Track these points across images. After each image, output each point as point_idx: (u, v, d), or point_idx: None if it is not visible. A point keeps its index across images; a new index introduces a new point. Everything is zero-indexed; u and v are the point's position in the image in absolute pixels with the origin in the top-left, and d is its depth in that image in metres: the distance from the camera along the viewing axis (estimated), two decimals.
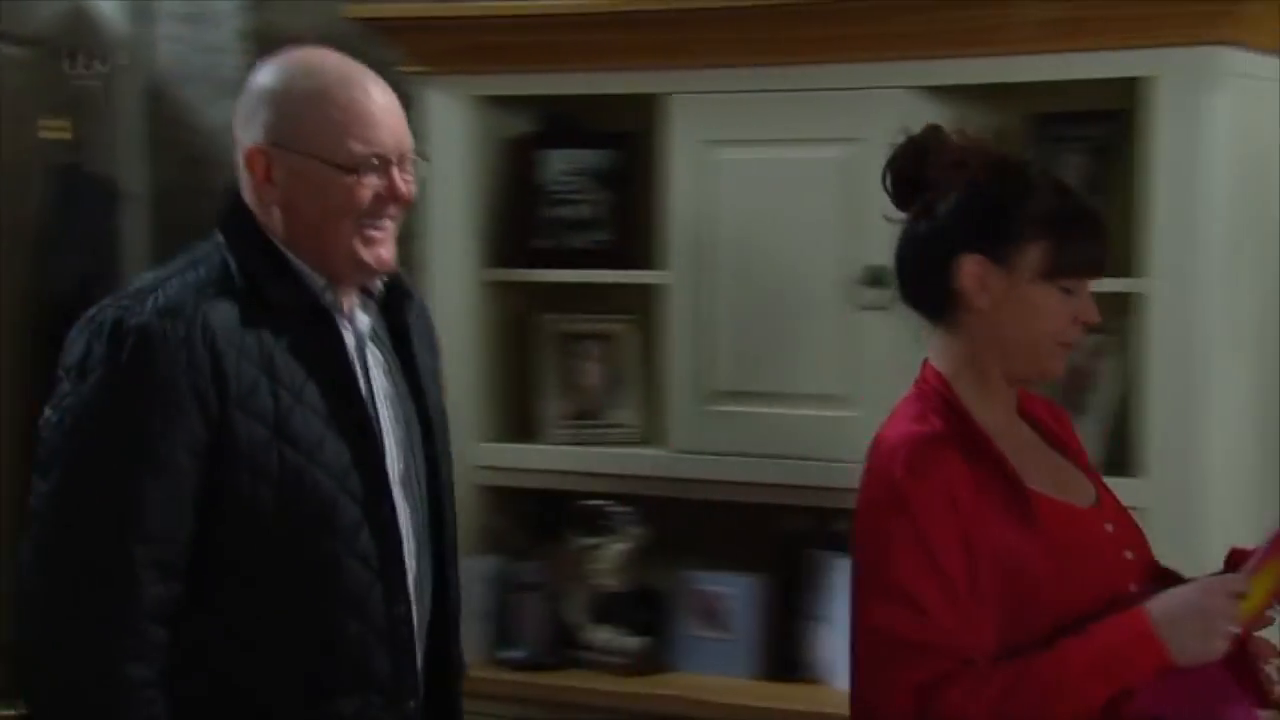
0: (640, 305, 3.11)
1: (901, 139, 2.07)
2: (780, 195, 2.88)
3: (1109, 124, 2.75)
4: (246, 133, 1.99)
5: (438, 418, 2.14)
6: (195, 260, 1.99)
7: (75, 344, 1.92)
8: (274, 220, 1.99)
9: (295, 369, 1.94)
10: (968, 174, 2.00)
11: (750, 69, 2.87)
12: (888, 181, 2.06)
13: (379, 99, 1.98)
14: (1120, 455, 2.73)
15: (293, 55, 2.02)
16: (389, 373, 2.07)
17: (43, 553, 1.89)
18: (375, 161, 1.96)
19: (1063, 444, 2.15)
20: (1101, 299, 2.78)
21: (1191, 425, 2.63)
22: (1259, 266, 2.82)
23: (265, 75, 2.00)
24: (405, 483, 2.04)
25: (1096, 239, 2.03)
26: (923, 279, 2.03)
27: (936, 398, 2.01)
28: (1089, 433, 2.74)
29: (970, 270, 1.97)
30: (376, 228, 1.98)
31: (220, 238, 2.01)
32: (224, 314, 1.91)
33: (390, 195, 1.98)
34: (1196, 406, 2.63)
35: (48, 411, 1.93)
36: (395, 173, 1.98)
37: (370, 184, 1.96)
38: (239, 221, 2.01)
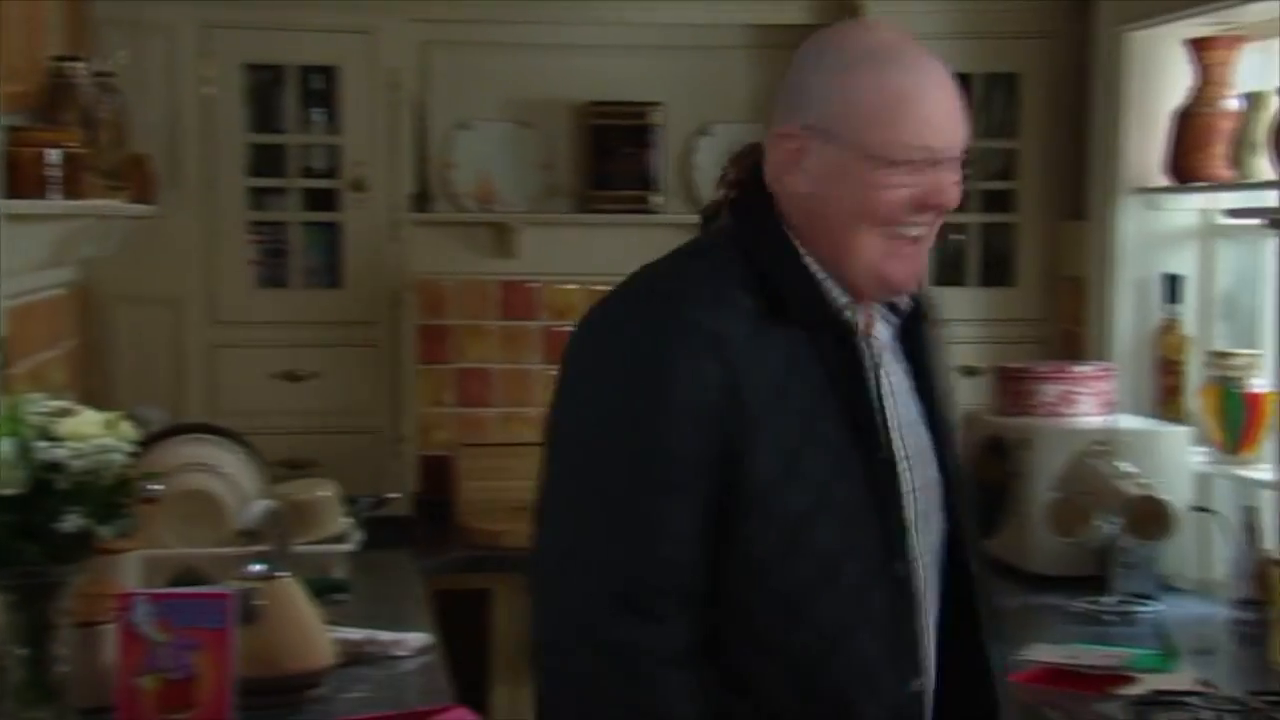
0: None
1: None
2: None
3: None
4: (784, 112, 1.77)
5: (953, 453, 1.88)
6: (700, 248, 1.81)
7: (584, 342, 1.76)
8: (793, 212, 1.78)
9: (810, 394, 1.72)
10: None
11: None
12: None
13: (939, 86, 1.75)
14: None
15: (848, 32, 1.84)
16: (910, 393, 1.85)
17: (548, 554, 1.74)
18: (920, 158, 1.72)
19: None
20: None
21: None
22: None
23: (816, 51, 1.78)
24: (922, 530, 1.81)
25: None
26: None
27: None
28: None
29: None
30: (907, 237, 1.75)
31: (732, 225, 1.80)
32: (736, 318, 1.71)
33: (930, 199, 1.74)
34: None
35: (556, 410, 1.76)
36: (942, 173, 1.74)
37: (910, 183, 1.73)
38: (757, 210, 1.79)
